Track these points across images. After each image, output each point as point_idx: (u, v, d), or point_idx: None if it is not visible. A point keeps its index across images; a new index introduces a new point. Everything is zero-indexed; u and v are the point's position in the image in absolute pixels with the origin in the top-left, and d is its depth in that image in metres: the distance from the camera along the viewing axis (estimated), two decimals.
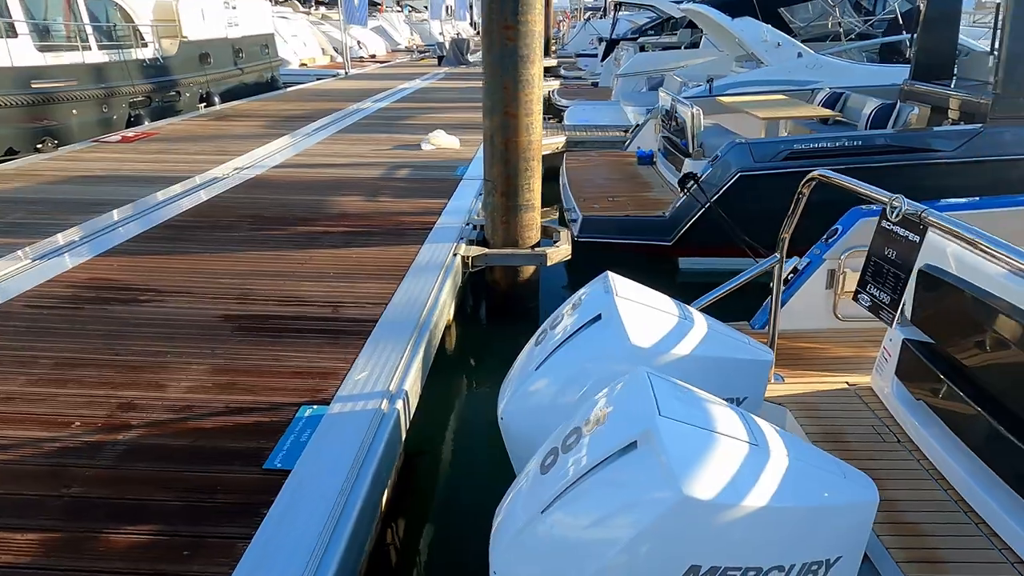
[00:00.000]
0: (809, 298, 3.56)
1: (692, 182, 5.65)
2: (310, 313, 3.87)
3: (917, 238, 2.00)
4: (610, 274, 2.56)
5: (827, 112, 6.66)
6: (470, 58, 21.41)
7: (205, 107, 12.82)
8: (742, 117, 7.34)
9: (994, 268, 2.42)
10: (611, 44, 15.95)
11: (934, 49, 6.93)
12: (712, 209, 5.57)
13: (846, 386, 3.09)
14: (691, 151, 6.28)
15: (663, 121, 7.38)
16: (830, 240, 3.54)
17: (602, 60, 16.29)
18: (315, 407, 2.95)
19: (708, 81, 9.26)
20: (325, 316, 3.83)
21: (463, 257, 4.88)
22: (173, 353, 3.41)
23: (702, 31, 12.51)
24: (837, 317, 3.60)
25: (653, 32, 16.29)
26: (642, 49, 14.18)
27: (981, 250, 1.77)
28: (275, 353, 3.42)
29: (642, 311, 2.38)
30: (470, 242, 5.18)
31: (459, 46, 21.06)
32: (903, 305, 2.84)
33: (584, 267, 5.52)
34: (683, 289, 6.06)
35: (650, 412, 1.69)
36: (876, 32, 11.39)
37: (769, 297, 3.61)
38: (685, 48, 13.53)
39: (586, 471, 1.69)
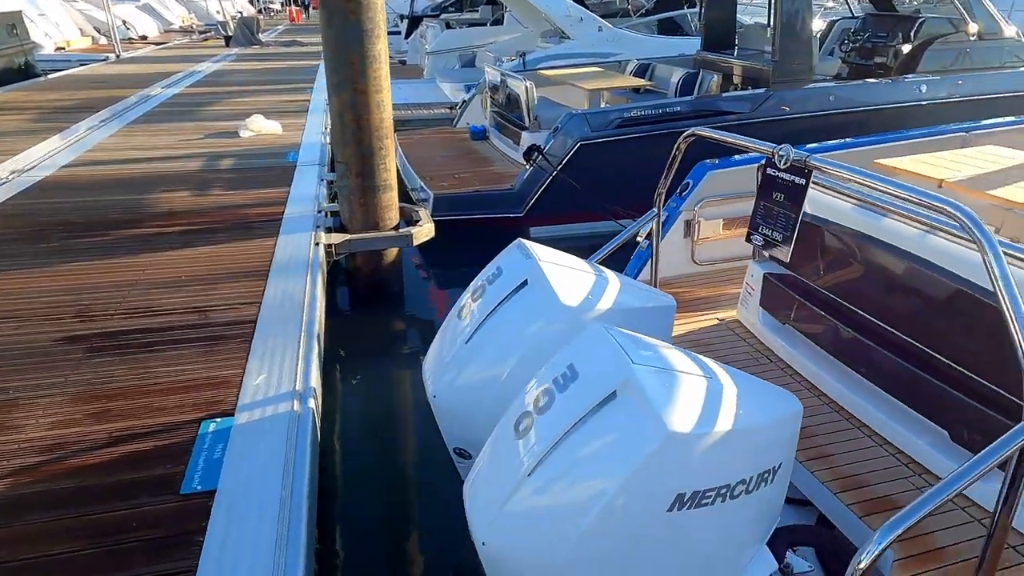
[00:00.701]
0: (670, 247, 3.91)
1: (537, 153, 5.88)
2: (174, 322, 3.48)
3: (803, 180, 2.30)
4: (523, 240, 2.62)
5: (641, 81, 7.25)
6: (262, 37, 19.98)
7: None
8: (564, 88, 7.74)
9: (841, 203, 2.87)
10: (414, 21, 15.81)
11: (718, 22, 7.83)
12: (559, 178, 5.85)
13: (717, 322, 3.47)
14: (528, 124, 6.51)
15: (492, 96, 7.55)
16: (684, 194, 3.90)
17: (406, 38, 16.11)
18: (219, 420, 2.70)
19: (520, 56, 9.60)
20: (194, 323, 3.47)
21: (325, 246, 4.66)
22: (16, 388, 2.90)
23: (504, 7, 12.87)
24: (695, 262, 4.02)
25: (453, 8, 16.40)
26: (448, 26, 14.25)
27: (857, 184, 2.10)
28: (146, 370, 3.05)
29: (563, 272, 2.48)
30: (327, 229, 4.95)
31: (247, 25, 19.52)
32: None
33: (437, 245, 5.54)
34: None
35: (624, 362, 1.80)
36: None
37: (636, 250, 3.92)
38: (491, 24, 13.82)
39: (570, 427, 1.76)
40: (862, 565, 1.61)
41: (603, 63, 8.51)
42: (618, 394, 1.75)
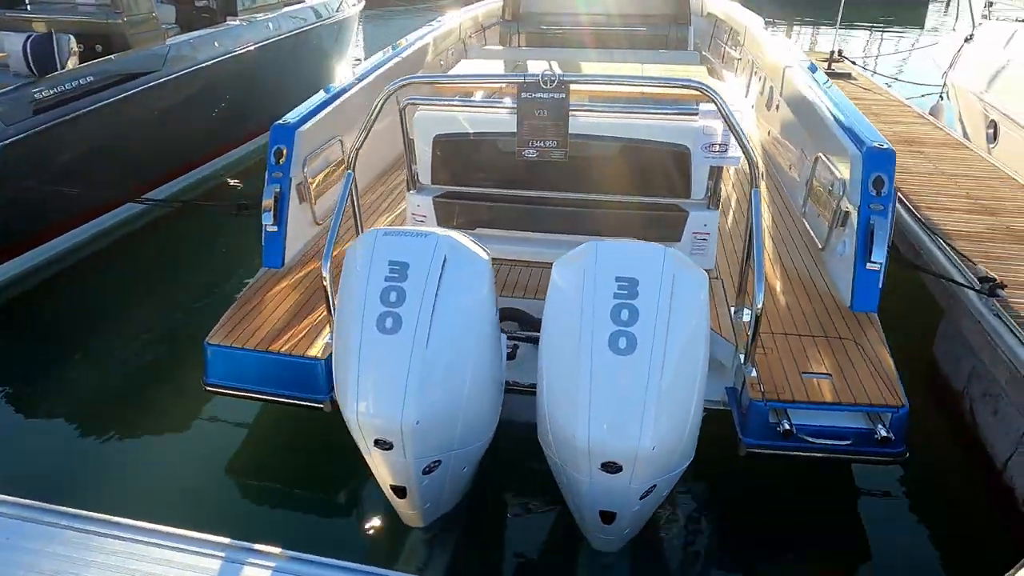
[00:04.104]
0: (295, 218, 3.64)
1: None
2: None
3: (563, 95, 2.68)
4: (378, 229, 2.40)
5: None
6: None
7: None
8: None
9: (484, 115, 3.26)
10: None
11: None
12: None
13: None
14: None
15: None
16: (282, 162, 3.54)
17: None
18: None
19: None
20: None
21: None
22: None
23: None
24: (318, 223, 3.88)
25: None
26: None
27: (621, 87, 2.72)
28: None
29: (455, 236, 2.44)
30: None
31: None
32: (418, 175, 3.51)
33: None
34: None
35: (658, 253, 2.20)
36: None
37: (264, 231, 3.52)
38: None
39: (666, 319, 2.11)
40: (759, 305, 2.50)
41: None
42: (676, 276, 2.16)
